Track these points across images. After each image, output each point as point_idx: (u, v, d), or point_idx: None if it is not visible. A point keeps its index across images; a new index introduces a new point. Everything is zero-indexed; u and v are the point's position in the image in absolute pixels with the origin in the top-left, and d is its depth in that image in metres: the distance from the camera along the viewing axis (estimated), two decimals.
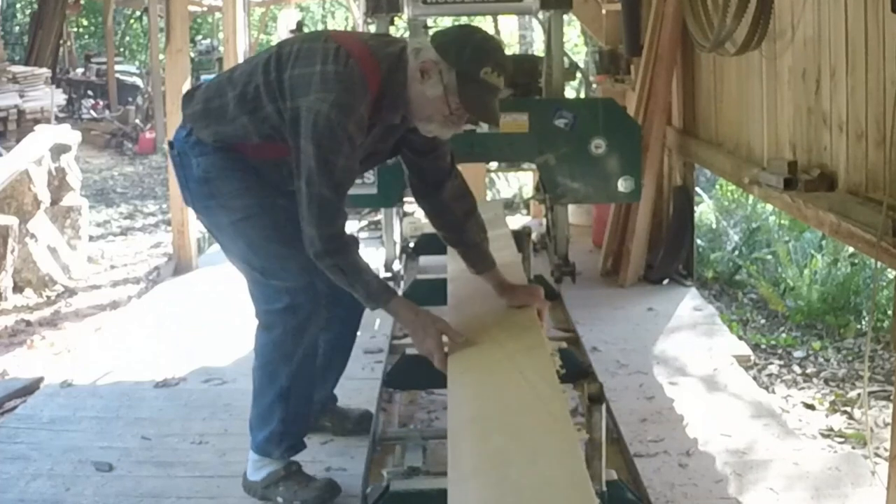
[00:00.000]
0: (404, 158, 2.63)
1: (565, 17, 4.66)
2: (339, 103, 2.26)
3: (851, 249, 4.70)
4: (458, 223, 2.62)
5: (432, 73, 2.28)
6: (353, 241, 2.38)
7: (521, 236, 3.88)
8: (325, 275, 2.39)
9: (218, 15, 14.31)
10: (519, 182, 8.54)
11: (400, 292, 4.21)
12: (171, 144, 2.61)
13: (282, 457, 2.68)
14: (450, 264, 3.03)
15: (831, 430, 3.55)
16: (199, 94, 2.57)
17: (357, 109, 2.29)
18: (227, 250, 2.65)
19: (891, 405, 3.32)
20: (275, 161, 2.48)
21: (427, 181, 2.62)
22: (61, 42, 15.06)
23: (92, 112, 14.37)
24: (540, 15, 4.69)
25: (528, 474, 1.64)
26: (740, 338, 4.37)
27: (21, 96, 10.94)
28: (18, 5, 19.15)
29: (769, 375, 4.19)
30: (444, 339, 2.34)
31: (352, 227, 6.35)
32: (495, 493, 1.61)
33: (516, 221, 6.67)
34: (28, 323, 5.01)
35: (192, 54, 13.91)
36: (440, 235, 2.71)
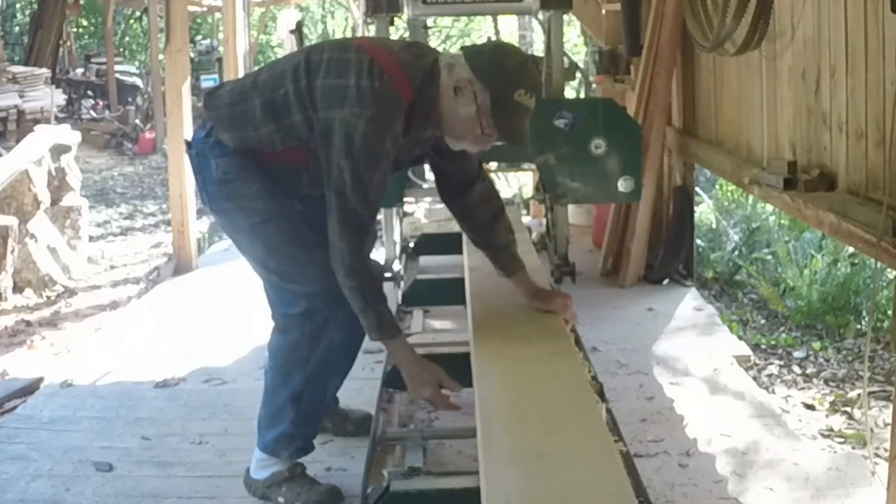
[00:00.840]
0: (430, 162, 2.64)
1: (565, 17, 4.66)
2: (375, 120, 2.26)
3: (851, 249, 4.70)
4: (487, 225, 2.62)
5: (466, 92, 2.27)
6: (378, 268, 2.38)
7: None
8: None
9: (218, 15, 14.31)
10: (519, 182, 8.54)
11: (400, 292, 4.22)
12: (188, 144, 2.60)
13: (290, 458, 2.68)
14: (467, 257, 3.03)
15: (831, 430, 3.54)
16: (222, 96, 2.54)
17: (393, 126, 2.29)
18: (245, 252, 2.64)
19: (891, 405, 3.32)
20: (294, 167, 2.48)
21: (454, 184, 2.62)
22: (61, 42, 15.04)
23: (92, 112, 14.36)
24: (540, 15, 4.69)
25: (571, 474, 1.63)
26: (740, 338, 4.37)
27: (21, 96, 10.93)
28: (18, 5, 19.15)
29: (769, 375, 4.18)
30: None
31: None
32: (537, 484, 1.60)
33: None
34: (28, 323, 5.01)
35: (192, 54, 13.93)
36: (469, 238, 2.72)
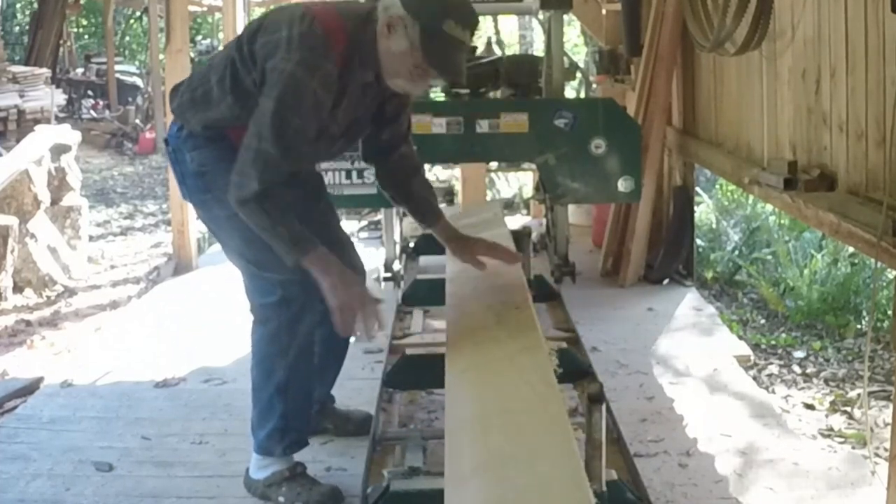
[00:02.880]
0: None
1: (565, 17, 4.66)
2: (302, 61, 2.27)
3: (851, 249, 4.70)
4: (406, 179, 2.69)
5: (398, 28, 2.29)
6: (290, 197, 2.36)
7: (521, 236, 3.88)
8: None
9: (218, 15, 14.30)
10: (519, 182, 8.54)
11: (400, 292, 4.22)
12: (166, 141, 2.65)
13: (284, 454, 2.68)
14: (449, 265, 3.04)
15: (831, 430, 3.55)
16: (183, 87, 2.60)
17: (322, 66, 2.30)
18: (223, 244, 2.67)
19: (891, 405, 3.32)
20: None
21: (380, 145, 2.68)
22: (61, 42, 15.06)
23: (92, 112, 14.36)
24: (540, 15, 4.69)
25: (527, 474, 1.64)
26: (740, 338, 4.37)
27: (21, 96, 10.93)
28: (18, 5, 19.14)
29: (769, 375, 4.19)
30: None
31: (352, 227, 6.36)
32: (495, 493, 1.60)
33: (516, 221, 6.68)
34: (28, 323, 5.01)
35: (192, 54, 13.90)
36: (388, 195, 2.76)
